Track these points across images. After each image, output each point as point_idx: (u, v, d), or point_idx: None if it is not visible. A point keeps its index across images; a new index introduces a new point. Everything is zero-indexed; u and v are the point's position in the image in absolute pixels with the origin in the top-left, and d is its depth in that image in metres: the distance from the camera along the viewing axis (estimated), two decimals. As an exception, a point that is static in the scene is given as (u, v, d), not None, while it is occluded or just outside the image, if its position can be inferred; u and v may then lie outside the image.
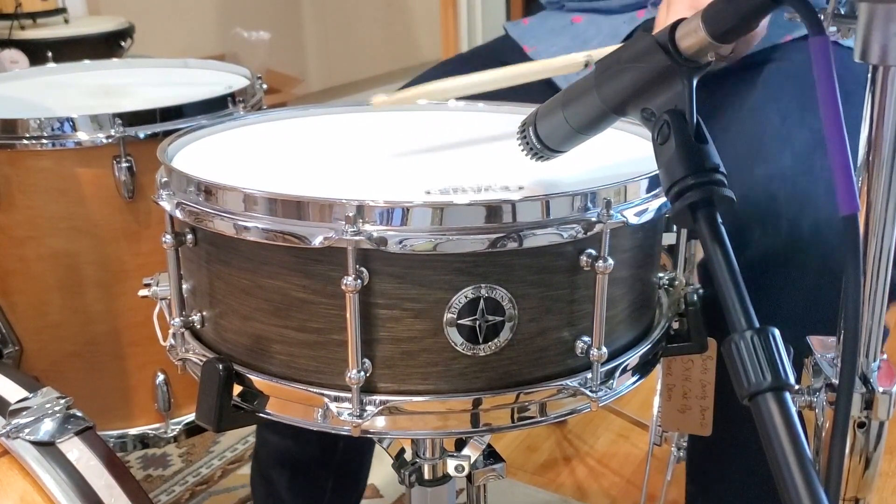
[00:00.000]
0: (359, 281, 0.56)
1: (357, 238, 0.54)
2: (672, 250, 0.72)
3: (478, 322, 0.58)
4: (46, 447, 0.66)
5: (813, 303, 0.81)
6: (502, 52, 1.16)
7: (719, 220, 0.50)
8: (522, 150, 0.64)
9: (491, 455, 0.74)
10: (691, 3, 0.86)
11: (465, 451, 0.73)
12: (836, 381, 0.62)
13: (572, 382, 0.61)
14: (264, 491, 1.11)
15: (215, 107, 1.00)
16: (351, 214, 0.54)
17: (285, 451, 1.09)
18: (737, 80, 0.97)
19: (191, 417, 1.07)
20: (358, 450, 1.11)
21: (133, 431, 1.06)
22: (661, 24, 0.91)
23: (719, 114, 0.95)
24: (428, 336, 0.58)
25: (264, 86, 1.12)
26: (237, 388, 0.63)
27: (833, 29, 0.54)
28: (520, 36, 1.17)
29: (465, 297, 0.57)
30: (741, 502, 0.94)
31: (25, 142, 0.92)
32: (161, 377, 1.04)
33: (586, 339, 0.61)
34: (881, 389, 0.60)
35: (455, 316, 0.57)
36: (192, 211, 0.61)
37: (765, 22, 0.95)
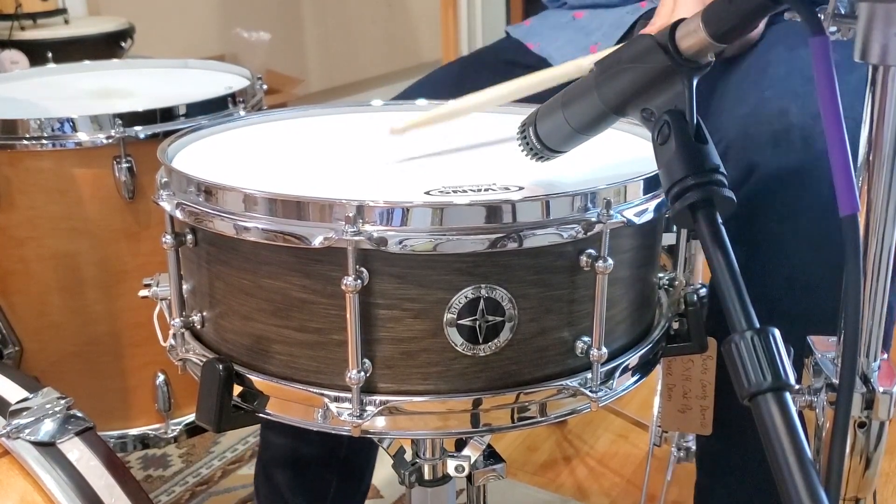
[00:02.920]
0: (359, 281, 0.56)
1: (357, 238, 0.54)
2: (672, 250, 0.72)
3: (478, 322, 0.58)
4: (47, 447, 0.66)
5: (829, 214, 0.80)
6: (506, 51, 1.16)
7: (719, 220, 0.50)
8: (522, 151, 0.64)
9: (491, 455, 0.74)
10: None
11: (466, 452, 0.73)
12: (836, 381, 0.62)
13: (572, 382, 0.61)
14: (268, 491, 1.11)
15: (215, 107, 1.00)
16: (351, 214, 0.54)
17: (289, 452, 1.09)
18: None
19: (191, 418, 1.07)
20: (362, 449, 1.11)
21: (133, 432, 1.06)
22: (664, 15, 0.91)
23: (725, 63, 0.94)
24: (428, 336, 0.58)
25: (264, 86, 1.12)
26: (237, 389, 0.63)
27: (833, 29, 0.54)
28: (522, 35, 1.17)
29: (465, 298, 0.57)
30: (740, 502, 0.94)
31: (25, 142, 0.92)
32: (161, 377, 1.04)
33: (586, 339, 0.61)
34: (881, 389, 0.60)
35: (455, 316, 0.57)
36: (193, 211, 0.61)
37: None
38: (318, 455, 1.09)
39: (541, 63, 1.10)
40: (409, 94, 1.07)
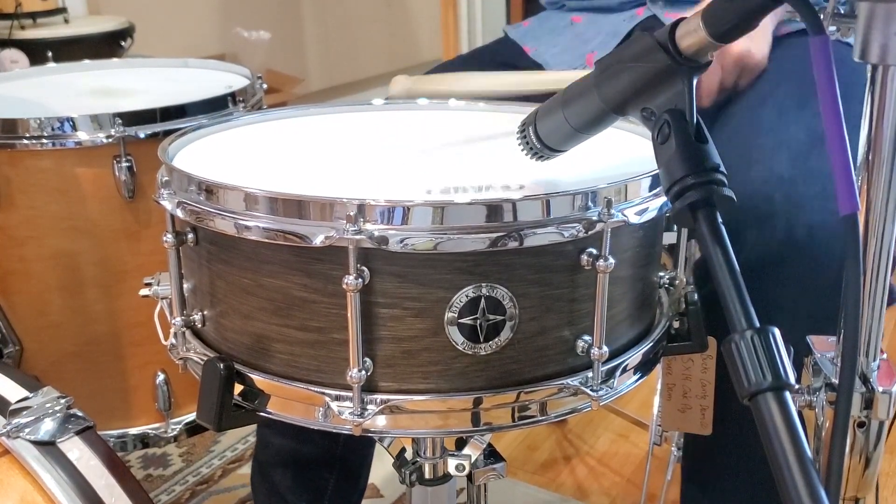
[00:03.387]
0: (360, 280, 0.56)
1: (358, 237, 0.54)
2: (673, 249, 0.72)
3: (478, 321, 0.58)
4: (47, 447, 0.66)
5: (808, 303, 0.81)
6: (503, 53, 1.16)
7: (719, 219, 0.50)
8: (522, 150, 0.64)
9: (491, 454, 0.74)
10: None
11: (466, 451, 0.73)
12: (836, 381, 0.62)
13: (573, 381, 0.61)
14: (265, 491, 1.11)
15: (215, 106, 1.00)
16: (352, 213, 0.54)
17: (286, 451, 1.09)
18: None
19: (191, 417, 1.07)
20: (359, 448, 1.11)
21: (133, 431, 1.06)
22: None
23: (715, 112, 0.95)
24: (429, 335, 0.58)
25: (264, 85, 1.12)
26: (238, 388, 0.63)
27: (833, 28, 0.54)
28: (520, 37, 1.17)
29: (466, 296, 0.57)
30: (740, 502, 0.94)
31: (26, 142, 0.92)
32: (161, 377, 1.04)
33: (587, 338, 0.61)
34: (881, 389, 0.60)
35: (456, 315, 0.57)
36: (193, 210, 0.61)
37: (767, 39, 0.95)
38: (316, 454, 1.09)
39: (536, 68, 1.10)
40: None
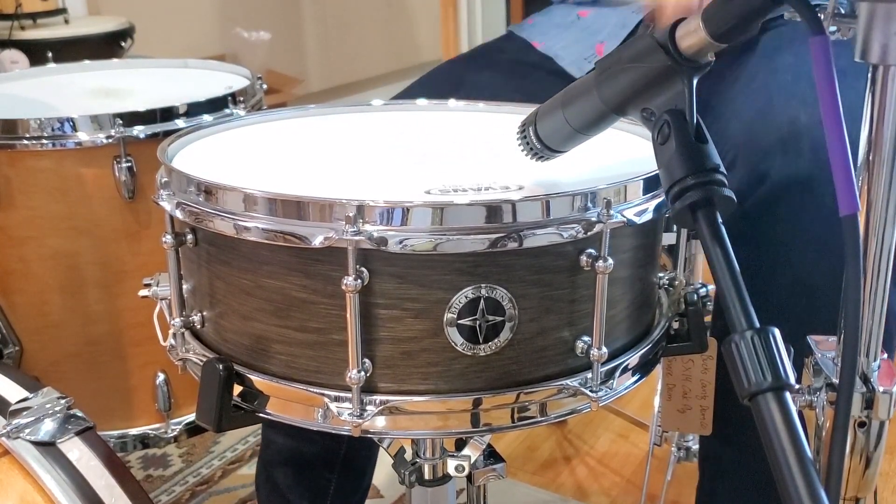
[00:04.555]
0: (359, 281, 0.56)
1: (357, 238, 0.54)
2: (672, 250, 0.72)
3: (478, 322, 0.58)
4: (47, 447, 0.66)
5: (836, 226, 0.80)
6: (510, 50, 1.15)
7: (719, 219, 0.50)
8: (522, 150, 0.64)
9: (491, 455, 0.74)
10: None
11: (466, 451, 0.73)
12: (836, 381, 0.62)
13: (572, 382, 0.61)
14: (269, 490, 1.11)
15: (215, 107, 1.00)
16: (351, 214, 0.54)
17: (289, 451, 1.09)
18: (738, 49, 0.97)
19: (191, 417, 1.07)
20: (362, 448, 1.11)
21: (133, 431, 1.06)
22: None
23: (731, 71, 0.94)
24: (428, 336, 0.58)
25: (264, 86, 1.12)
26: (237, 388, 0.63)
27: (833, 28, 0.54)
28: (527, 34, 1.17)
29: (466, 297, 0.57)
30: (740, 502, 0.94)
31: (26, 142, 0.92)
32: (161, 377, 1.04)
33: (586, 338, 0.61)
34: (881, 389, 0.60)
35: (455, 316, 0.57)
36: (193, 211, 0.61)
37: None
38: (319, 454, 1.09)
39: (546, 61, 1.09)
40: (409, 92, 1.07)
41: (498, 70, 1.10)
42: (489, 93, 0.97)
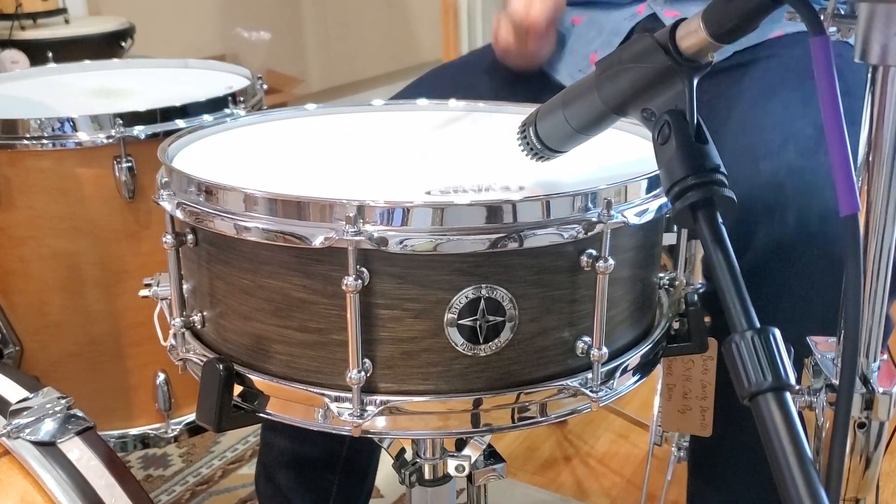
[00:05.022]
0: (359, 281, 0.56)
1: (357, 238, 0.54)
2: (673, 250, 0.72)
3: (478, 322, 0.58)
4: (47, 447, 0.66)
5: (821, 292, 0.80)
6: None
7: (720, 220, 0.50)
8: (522, 151, 0.64)
9: (491, 455, 0.74)
10: None
11: (466, 451, 0.73)
12: (836, 382, 0.62)
13: (573, 382, 0.61)
14: (270, 492, 1.11)
15: (216, 107, 1.00)
16: (351, 214, 0.54)
17: (290, 453, 1.09)
18: (732, 76, 0.97)
19: (191, 417, 1.07)
20: (364, 450, 1.11)
21: (134, 431, 1.06)
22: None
23: (717, 110, 0.95)
24: (428, 336, 0.58)
25: (264, 86, 1.12)
26: (238, 388, 0.63)
27: (833, 29, 0.54)
28: None
29: (466, 298, 0.57)
30: (742, 502, 0.94)
31: (26, 142, 0.92)
32: (161, 377, 1.04)
33: (587, 339, 0.61)
34: (881, 390, 0.60)
35: (455, 316, 0.57)
36: (193, 211, 0.61)
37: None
38: (320, 456, 1.09)
39: (541, 73, 1.10)
40: (407, 93, 1.07)
41: (493, 74, 1.10)
42: (482, 94, 0.97)
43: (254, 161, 0.74)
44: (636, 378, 0.66)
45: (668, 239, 0.70)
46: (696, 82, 0.52)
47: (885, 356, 0.62)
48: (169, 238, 0.65)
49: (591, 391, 0.61)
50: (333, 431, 0.61)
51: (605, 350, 0.61)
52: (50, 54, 1.94)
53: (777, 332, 0.46)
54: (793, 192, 0.80)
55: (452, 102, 0.89)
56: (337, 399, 0.60)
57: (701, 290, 0.72)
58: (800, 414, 0.62)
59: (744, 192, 0.83)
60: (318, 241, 0.55)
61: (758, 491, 0.91)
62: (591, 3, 1.11)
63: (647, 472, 1.33)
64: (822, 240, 0.79)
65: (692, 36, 0.51)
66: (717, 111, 0.94)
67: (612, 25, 1.07)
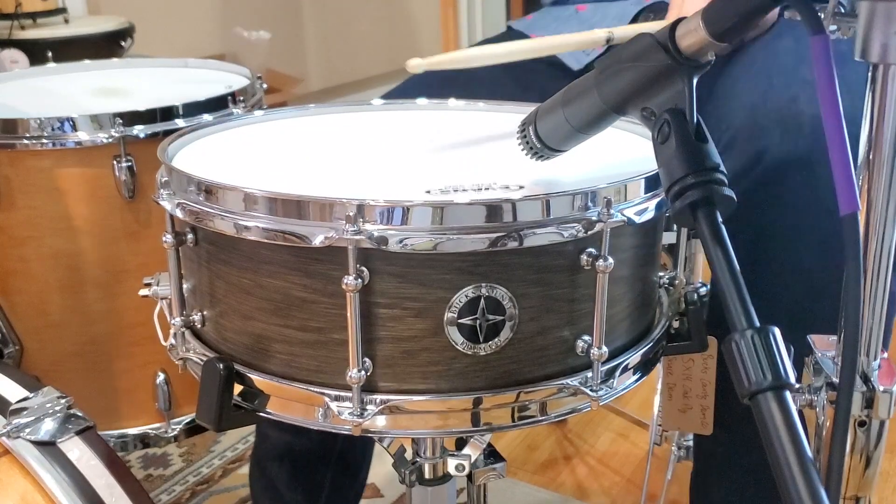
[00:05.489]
0: (359, 280, 0.56)
1: (358, 237, 0.54)
2: (672, 249, 0.72)
3: (478, 321, 0.58)
4: (47, 447, 0.66)
5: (831, 213, 0.80)
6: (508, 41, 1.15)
7: (720, 219, 0.50)
8: (522, 150, 0.64)
9: (491, 454, 0.74)
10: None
11: (466, 451, 0.73)
12: (836, 380, 0.62)
13: (573, 381, 0.61)
14: (263, 485, 1.11)
15: (215, 106, 1.00)
16: (351, 214, 0.54)
17: (284, 446, 1.09)
18: None
19: (191, 417, 1.07)
20: (358, 445, 1.11)
21: (133, 431, 1.06)
22: (676, 6, 0.92)
23: (732, 55, 0.94)
24: (428, 335, 0.58)
25: (264, 85, 1.12)
26: (238, 388, 0.63)
27: (833, 28, 0.54)
28: (525, 28, 1.17)
29: (466, 297, 0.57)
30: (742, 502, 0.94)
31: (26, 142, 0.92)
32: (161, 377, 1.04)
33: (587, 338, 0.61)
34: (882, 388, 0.60)
35: (455, 315, 0.57)
36: (193, 210, 0.61)
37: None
38: (314, 449, 1.09)
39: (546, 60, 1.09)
40: (406, 88, 1.07)
41: (494, 65, 1.10)
42: (486, 83, 0.97)
43: (254, 160, 0.74)
44: (636, 377, 0.66)
45: (668, 238, 0.70)
46: (695, 81, 0.52)
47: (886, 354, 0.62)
48: (169, 237, 0.65)
49: (591, 390, 0.61)
50: (334, 431, 0.61)
51: (605, 349, 0.61)
52: (49, 54, 1.94)
53: (777, 330, 0.46)
54: (807, 104, 0.80)
55: (452, 102, 0.89)
56: (337, 398, 0.60)
57: (701, 290, 0.72)
58: (800, 413, 0.62)
59: (758, 106, 0.83)
60: (318, 241, 0.55)
61: (758, 489, 0.91)
62: None
63: (647, 472, 1.33)
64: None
65: (692, 35, 0.51)
66: (731, 53, 0.94)
67: (617, 11, 1.06)
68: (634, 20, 1.04)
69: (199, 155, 0.74)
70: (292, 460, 1.09)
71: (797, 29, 0.91)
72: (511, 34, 1.19)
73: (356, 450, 1.12)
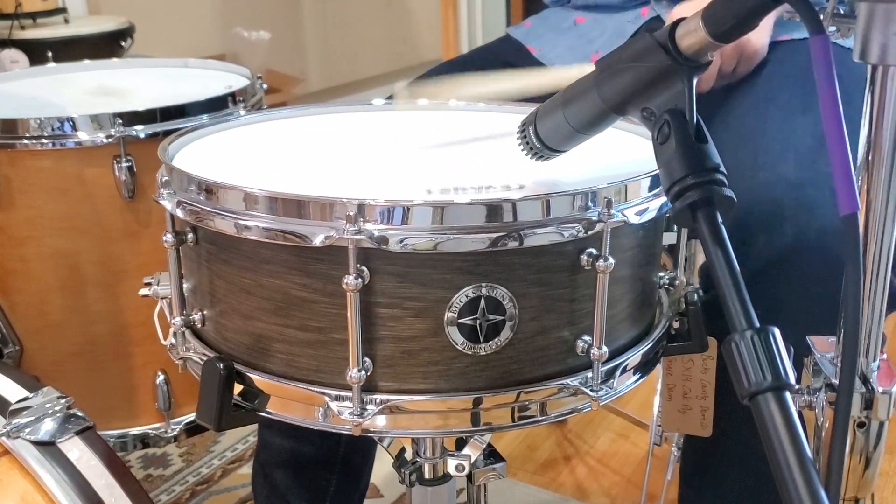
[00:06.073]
0: (360, 280, 0.56)
1: (358, 237, 0.54)
2: (672, 250, 0.72)
3: (478, 321, 0.58)
4: (47, 447, 0.66)
5: (816, 306, 0.81)
6: (506, 53, 1.16)
7: (719, 219, 0.50)
8: (522, 150, 0.64)
9: (491, 454, 0.74)
10: None
11: (466, 451, 0.73)
12: (836, 381, 0.62)
13: (573, 381, 0.61)
14: (267, 492, 1.11)
15: (215, 106, 1.00)
16: (352, 213, 0.54)
17: (287, 452, 1.09)
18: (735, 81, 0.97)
19: (191, 417, 1.07)
20: (360, 448, 1.11)
21: (133, 431, 1.06)
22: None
23: (720, 112, 0.95)
24: (429, 335, 0.58)
25: (264, 85, 1.12)
26: (238, 388, 0.63)
27: (833, 29, 0.54)
28: (523, 37, 1.17)
29: (466, 297, 0.57)
30: (740, 502, 0.94)
31: (26, 141, 0.92)
32: (161, 377, 1.04)
33: (587, 338, 0.61)
34: (881, 389, 0.60)
35: (456, 315, 0.57)
36: (193, 210, 0.61)
37: (768, 28, 0.96)
38: (317, 455, 1.09)
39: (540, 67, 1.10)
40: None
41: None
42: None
43: (254, 160, 0.74)
44: (636, 377, 0.66)
45: (668, 238, 0.70)
46: (695, 81, 0.53)
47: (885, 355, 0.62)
48: (169, 237, 0.65)
49: (591, 390, 0.61)
50: (334, 430, 0.61)
51: (605, 349, 0.61)
52: (49, 54, 1.94)
53: (777, 331, 0.46)
54: (791, 207, 0.81)
55: (452, 102, 0.89)
56: (337, 398, 0.60)
57: (700, 293, 0.72)
58: (799, 413, 0.62)
59: (743, 203, 0.83)
60: (318, 240, 0.55)
61: (752, 491, 0.91)
62: (595, 7, 1.11)
63: (647, 472, 1.33)
64: (818, 254, 0.79)
65: (692, 35, 0.51)
66: (721, 115, 0.94)
67: (615, 26, 1.07)
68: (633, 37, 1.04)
69: (199, 155, 0.74)
70: (296, 467, 1.09)
71: (789, 88, 0.90)
72: (509, 42, 1.19)
73: (359, 454, 1.12)
